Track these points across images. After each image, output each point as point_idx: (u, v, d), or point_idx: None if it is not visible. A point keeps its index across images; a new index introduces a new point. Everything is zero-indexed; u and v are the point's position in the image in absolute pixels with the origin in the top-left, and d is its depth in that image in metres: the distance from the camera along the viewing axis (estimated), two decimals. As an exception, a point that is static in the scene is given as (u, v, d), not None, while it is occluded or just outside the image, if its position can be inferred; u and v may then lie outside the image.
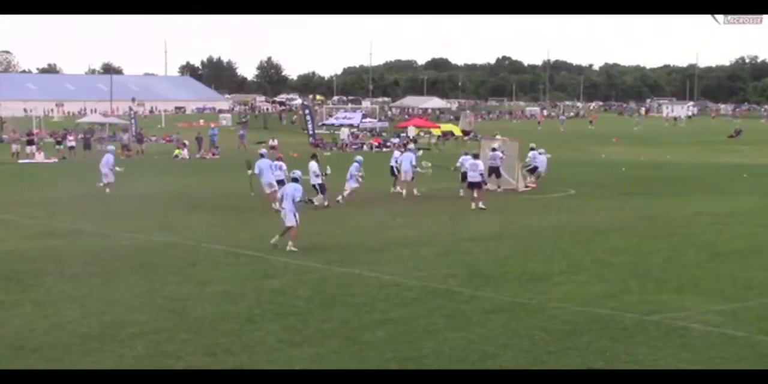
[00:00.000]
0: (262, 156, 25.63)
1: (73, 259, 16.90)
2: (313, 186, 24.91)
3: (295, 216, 17.80)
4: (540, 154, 32.60)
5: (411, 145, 33.75)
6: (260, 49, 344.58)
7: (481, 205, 24.93)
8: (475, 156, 26.56)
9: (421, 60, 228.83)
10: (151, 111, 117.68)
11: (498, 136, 35.62)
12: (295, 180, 18.68)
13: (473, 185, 25.36)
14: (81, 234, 20.16)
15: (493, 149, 30.28)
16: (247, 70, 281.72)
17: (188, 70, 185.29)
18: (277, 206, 19.80)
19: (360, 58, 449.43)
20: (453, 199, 27.40)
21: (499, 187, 29.70)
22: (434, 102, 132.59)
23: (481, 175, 25.68)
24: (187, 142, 52.63)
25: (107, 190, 28.54)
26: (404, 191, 28.24)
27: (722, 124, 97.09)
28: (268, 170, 24.72)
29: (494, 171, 29.70)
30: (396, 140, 60.07)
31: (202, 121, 77.72)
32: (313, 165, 25.60)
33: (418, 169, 28.74)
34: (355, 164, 26.86)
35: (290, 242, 17.74)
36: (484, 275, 15.57)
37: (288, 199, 17.93)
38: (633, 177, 36.34)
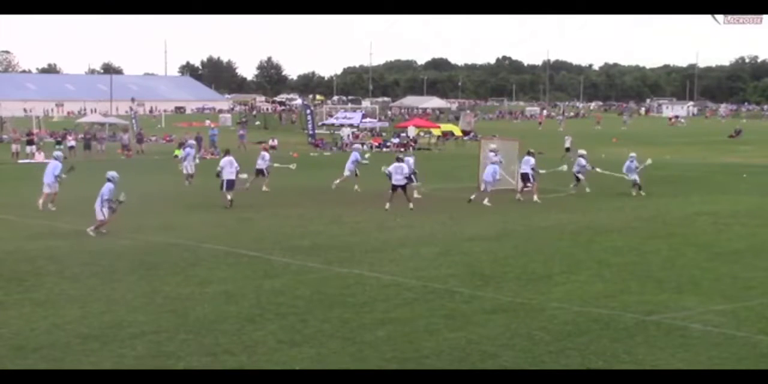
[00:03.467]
0: (55, 158, 25.92)
1: (74, 259, 16.90)
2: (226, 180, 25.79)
3: (102, 211, 19.98)
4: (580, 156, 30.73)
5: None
6: (260, 49, 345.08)
7: (410, 205, 24.70)
8: (399, 159, 26.06)
9: (421, 60, 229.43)
10: (151, 111, 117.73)
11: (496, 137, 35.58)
12: (108, 180, 20.34)
13: (397, 187, 25.05)
14: (81, 234, 20.14)
15: (492, 150, 30.06)
16: (247, 70, 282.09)
17: (188, 70, 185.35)
18: (46, 206, 24.22)
19: (360, 58, 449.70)
20: (453, 199, 27.42)
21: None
22: (434, 102, 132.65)
23: (407, 178, 25.44)
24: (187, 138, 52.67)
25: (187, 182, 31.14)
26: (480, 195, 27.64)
27: (722, 124, 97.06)
28: (51, 171, 24.91)
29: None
30: (396, 140, 60.05)
31: (207, 122, 77.57)
32: (228, 160, 26.38)
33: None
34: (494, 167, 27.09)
35: (92, 227, 19.91)
36: (484, 275, 15.58)
37: (98, 197, 20.06)
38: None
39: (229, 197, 25.48)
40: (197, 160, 33.49)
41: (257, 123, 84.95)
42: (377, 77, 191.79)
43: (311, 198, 27.88)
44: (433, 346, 11.17)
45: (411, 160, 28.52)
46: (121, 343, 11.22)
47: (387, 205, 24.68)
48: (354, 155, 30.74)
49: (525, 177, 28.25)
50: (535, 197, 27.39)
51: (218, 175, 25.82)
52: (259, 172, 29.96)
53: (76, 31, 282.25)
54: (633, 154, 30.31)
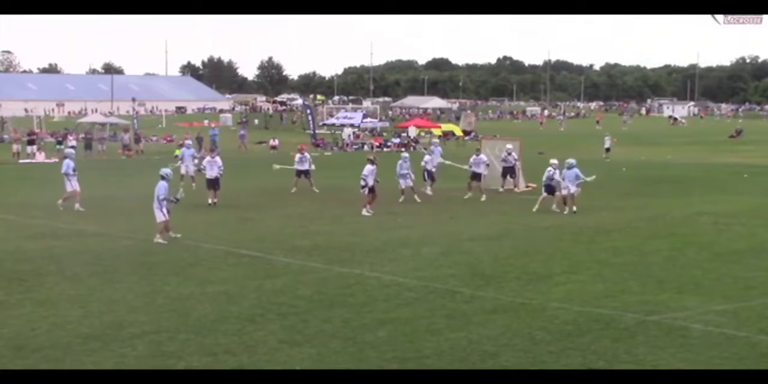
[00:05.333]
0: (65, 156, 26.28)
1: (74, 259, 16.91)
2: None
3: (161, 211, 18.98)
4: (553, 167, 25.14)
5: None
6: (261, 49, 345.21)
7: (366, 211, 24.05)
8: (371, 161, 25.29)
9: (422, 60, 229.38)
10: (152, 111, 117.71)
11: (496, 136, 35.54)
12: (162, 177, 19.37)
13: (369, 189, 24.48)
14: (82, 234, 20.15)
15: (508, 151, 29.68)
16: (248, 70, 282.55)
17: (189, 70, 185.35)
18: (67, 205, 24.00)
19: (361, 58, 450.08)
20: (453, 199, 27.43)
21: (502, 186, 29.66)
22: (435, 102, 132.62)
23: (370, 179, 24.46)
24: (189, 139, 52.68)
25: (194, 184, 29.93)
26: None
27: (723, 124, 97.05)
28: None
29: (508, 171, 29.55)
30: (397, 140, 60.06)
31: (206, 121, 77.55)
32: (208, 160, 26.77)
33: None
34: (400, 161, 27.11)
35: (158, 234, 18.96)
36: (484, 275, 15.59)
37: (155, 197, 19.04)
38: (633, 177, 36.32)
39: (209, 199, 25.67)
40: (196, 161, 31.79)
41: (256, 122, 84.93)
42: (378, 77, 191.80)
43: (311, 198, 27.89)
44: (434, 346, 11.17)
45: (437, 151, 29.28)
46: (122, 343, 11.22)
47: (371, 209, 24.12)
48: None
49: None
50: (475, 194, 27.76)
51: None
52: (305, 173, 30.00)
53: (77, 31, 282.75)
54: (571, 160, 24.88)
